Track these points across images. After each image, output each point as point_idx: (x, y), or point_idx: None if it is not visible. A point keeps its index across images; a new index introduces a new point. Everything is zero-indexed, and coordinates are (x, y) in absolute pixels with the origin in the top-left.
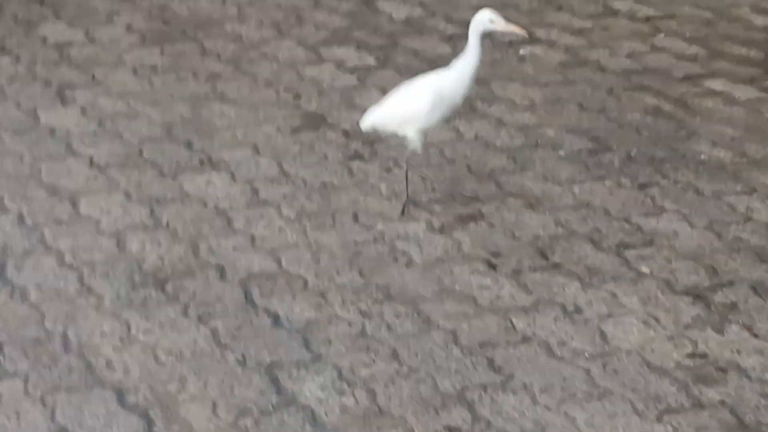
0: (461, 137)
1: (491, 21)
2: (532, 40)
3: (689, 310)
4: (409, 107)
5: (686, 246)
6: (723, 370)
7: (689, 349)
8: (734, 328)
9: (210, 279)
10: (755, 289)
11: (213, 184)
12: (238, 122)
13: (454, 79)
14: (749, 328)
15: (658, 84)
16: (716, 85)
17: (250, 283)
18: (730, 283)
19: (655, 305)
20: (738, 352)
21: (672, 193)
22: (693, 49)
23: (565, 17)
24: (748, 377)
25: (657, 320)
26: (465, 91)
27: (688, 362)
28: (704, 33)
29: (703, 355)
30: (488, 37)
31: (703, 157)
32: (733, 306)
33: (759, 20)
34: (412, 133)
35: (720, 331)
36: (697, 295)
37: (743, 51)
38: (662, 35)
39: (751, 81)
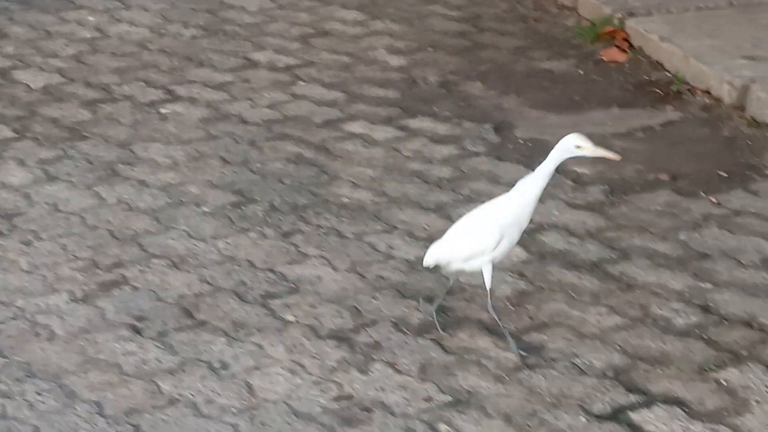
0: (103, 203)
1: (578, 147)
2: (174, 97)
3: (334, 353)
4: (476, 242)
5: (330, 290)
6: (368, 410)
7: (335, 392)
8: (378, 366)
9: None
10: (397, 325)
11: None
12: None
13: (517, 205)
14: (392, 365)
15: (299, 132)
16: (355, 127)
17: None
18: (374, 322)
19: (301, 352)
20: (382, 389)
21: (315, 238)
22: (332, 95)
23: (206, 72)
24: (393, 413)
25: (303, 367)
26: (531, 212)
27: (334, 405)
28: (343, 77)
29: (349, 397)
30: (129, 100)
31: (344, 200)
32: (377, 345)
33: (394, 61)
34: (481, 266)
35: (364, 371)
36: (341, 337)
37: (381, 92)
38: (302, 83)
39: (389, 121)
